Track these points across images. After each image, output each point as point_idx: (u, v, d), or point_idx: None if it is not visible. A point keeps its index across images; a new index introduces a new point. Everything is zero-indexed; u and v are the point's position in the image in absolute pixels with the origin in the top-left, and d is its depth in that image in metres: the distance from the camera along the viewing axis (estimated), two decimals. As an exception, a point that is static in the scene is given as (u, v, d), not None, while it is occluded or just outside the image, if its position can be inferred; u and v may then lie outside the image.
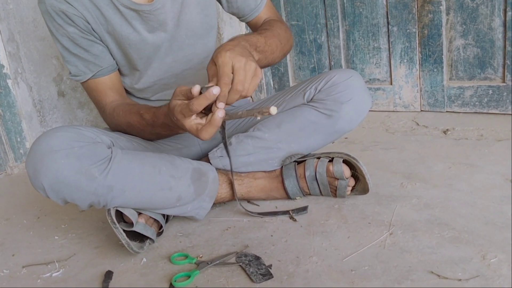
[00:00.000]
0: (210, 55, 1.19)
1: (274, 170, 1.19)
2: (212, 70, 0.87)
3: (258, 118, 0.85)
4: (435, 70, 1.72)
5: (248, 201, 1.21)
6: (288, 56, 2.07)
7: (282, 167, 1.18)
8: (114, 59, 1.13)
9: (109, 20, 1.06)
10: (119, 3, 1.05)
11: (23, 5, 1.66)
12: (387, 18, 1.77)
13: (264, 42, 1.01)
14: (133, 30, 1.08)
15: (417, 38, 1.72)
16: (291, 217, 1.10)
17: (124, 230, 0.97)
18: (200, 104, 0.82)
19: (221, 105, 0.83)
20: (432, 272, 0.82)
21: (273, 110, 0.81)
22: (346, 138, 1.60)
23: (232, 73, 0.83)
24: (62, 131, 0.90)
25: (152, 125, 1.03)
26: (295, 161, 1.17)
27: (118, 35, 1.08)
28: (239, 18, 1.24)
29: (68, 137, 0.90)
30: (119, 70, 1.16)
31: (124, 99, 1.14)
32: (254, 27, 1.23)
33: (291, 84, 2.10)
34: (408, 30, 1.73)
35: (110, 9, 1.05)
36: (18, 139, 1.73)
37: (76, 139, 0.90)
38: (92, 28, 1.06)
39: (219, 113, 0.83)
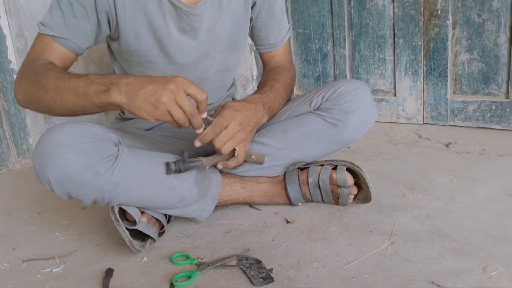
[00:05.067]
0: (226, 71, 1.24)
1: (277, 176, 1.19)
2: (217, 111, 1.01)
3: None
4: (439, 83, 1.73)
5: (250, 205, 1.21)
6: (293, 64, 2.08)
7: (285, 173, 1.18)
8: (126, 46, 1.08)
9: (145, 6, 1.04)
10: None
11: (33, 1, 1.67)
12: (394, 30, 1.78)
13: (273, 99, 1.15)
14: (164, 22, 1.06)
15: (422, 51, 1.74)
16: (288, 221, 1.11)
17: (126, 228, 0.98)
18: (193, 122, 0.91)
19: (197, 143, 0.97)
20: (432, 282, 0.83)
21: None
22: (348, 147, 1.61)
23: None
24: (70, 127, 0.91)
25: (74, 85, 0.90)
26: (298, 168, 1.18)
27: (150, 22, 1.06)
28: (255, 45, 1.30)
29: (76, 132, 0.90)
30: (128, 62, 1.13)
31: None
32: (265, 60, 1.31)
33: (296, 91, 2.11)
34: (414, 43, 1.75)
35: None
36: (22, 135, 1.73)
37: (84, 135, 0.91)
38: (115, 10, 1.02)
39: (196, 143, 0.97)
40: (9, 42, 1.66)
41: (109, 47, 1.19)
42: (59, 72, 0.94)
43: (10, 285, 0.95)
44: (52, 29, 1.01)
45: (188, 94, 0.88)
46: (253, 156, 1.08)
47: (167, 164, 0.99)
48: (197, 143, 0.97)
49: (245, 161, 1.08)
